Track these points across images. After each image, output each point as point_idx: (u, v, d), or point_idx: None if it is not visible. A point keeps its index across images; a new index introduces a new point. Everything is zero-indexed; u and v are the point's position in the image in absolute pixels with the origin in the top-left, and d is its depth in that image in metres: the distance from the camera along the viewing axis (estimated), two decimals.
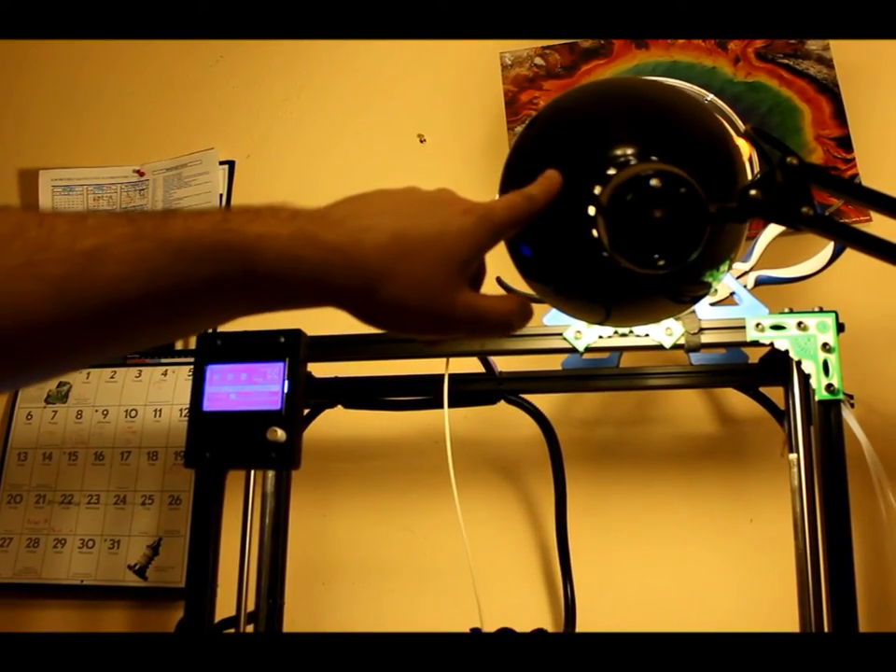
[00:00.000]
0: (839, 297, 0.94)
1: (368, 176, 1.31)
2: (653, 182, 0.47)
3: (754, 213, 0.51)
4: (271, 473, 0.97)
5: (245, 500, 0.92)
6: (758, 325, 0.82)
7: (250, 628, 0.91)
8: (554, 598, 1.11)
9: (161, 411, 1.30)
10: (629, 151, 0.50)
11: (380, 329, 0.46)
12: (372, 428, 1.21)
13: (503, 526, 1.15)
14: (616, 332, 0.85)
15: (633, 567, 1.10)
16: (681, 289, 0.54)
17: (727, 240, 0.53)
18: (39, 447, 1.32)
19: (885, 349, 1.10)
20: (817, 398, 0.79)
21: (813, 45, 1.22)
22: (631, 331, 0.85)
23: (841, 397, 0.78)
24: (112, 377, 1.33)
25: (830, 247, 0.88)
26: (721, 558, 1.08)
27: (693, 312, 0.84)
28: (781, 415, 0.91)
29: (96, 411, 1.32)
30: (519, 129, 0.85)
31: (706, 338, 0.84)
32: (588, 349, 0.86)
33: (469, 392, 0.99)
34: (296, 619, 1.03)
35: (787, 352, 0.81)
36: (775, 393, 0.92)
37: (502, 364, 0.99)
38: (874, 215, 1.09)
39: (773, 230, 0.91)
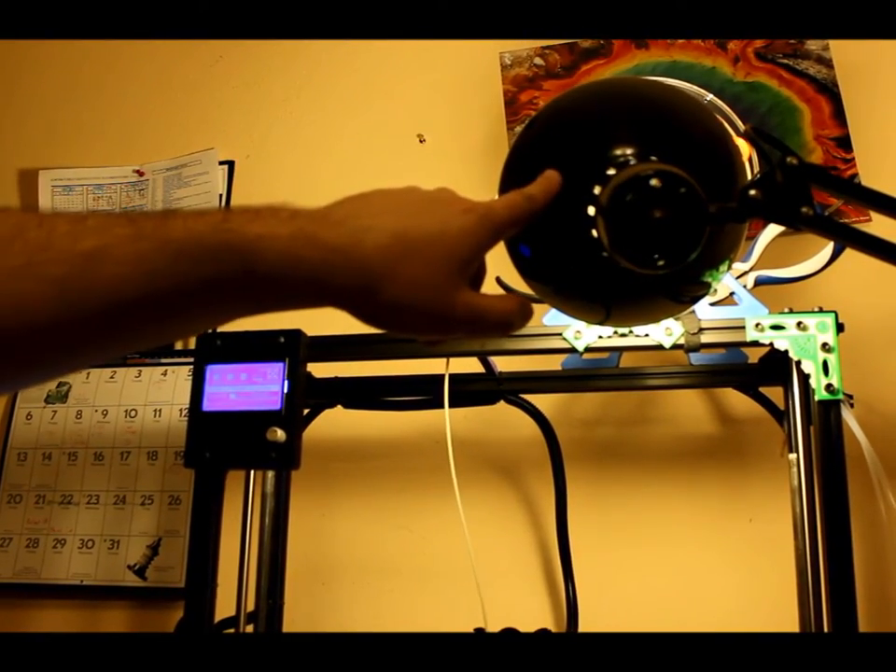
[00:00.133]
0: (839, 297, 0.94)
1: (368, 176, 1.31)
2: (653, 182, 0.47)
3: (754, 213, 0.51)
4: (270, 473, 0.97)
5: (244, 500, 0.92)
6: (758, 325, 0.82)
7: (250, 628, 0.91)
8: (555, 598, 1.11)
9: (160, 411, 1.30)
10: (629, 151, 0.50)
11: (380, 329, 0.46)
12: (372, 428, 1.21)
13: (503, 526, 1.15)
14: (616, 332, 0.85)
15: (633, 566, 1.10)
16: (681, 289, 0.54)
17: (727, 240, 0.53)
18: (39, 447, 1.32)
19: (885, 349, 1.10)
20: (816, 398, 0.79)
21: (813, 45, 1.22)
22: (631, 331, 0.85)
23: (841, 397, 0.78)
24: (112, 377, 1.33)
25: (829, 247, 0.88)
26: (721, 558, 1.08)
27: (693, 312, 0.84)
28: (781, 415, 0.91)
29: (96, 411, 1.32)
30: (519, 129, 0.85)
31: (705, 338, 0.84)
32: (588, 349, 0.86)
33: (468, 392, 0.99)
34: (296, 619, 1.03)
35: (786, 352, 0.81)
36: (774, 393, 0.92)
37: (502, 364, 0.99)
38: (873, 215, 1.09)
39: (772, 230, 0.91)
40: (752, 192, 0.50)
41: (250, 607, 0.91)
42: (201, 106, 1.48)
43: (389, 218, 0.44)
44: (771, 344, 0.82)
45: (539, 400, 1.01)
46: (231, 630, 0.90)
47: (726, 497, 1.10)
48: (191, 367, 0.97)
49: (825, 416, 0.78)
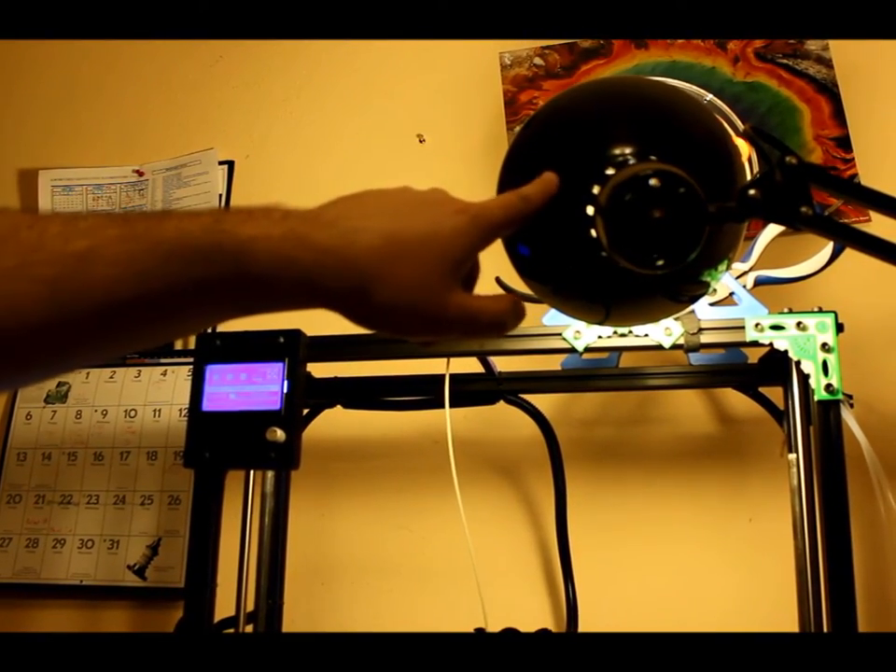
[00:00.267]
0: (838, 297, 0.94)
1: (367, 176, 1.31)
2: (652, 182, 0.47)
3: (753, 212, 0.51)
4: (270, 473, 0.97)
5: (244, 500, 0.92)
6: (757, 325, 0.82)
7: (249, 628, 0.91)
8: (555, 598, 1.11)
9: (160, 411, 1.30)
10: (628, 151, 0.50)
11: (372, 330, 0.46)
12: (372, 428, 1.21)
13: (503, 526, 1.15)
14: (615, 332, 0.85)
15: (632, 566, 1.10)
16: (680, 289, 0.54)
17: (726, 240, 0.53)
18: (39, 447, 1.32)
19: (885, 349, 1.10)
20: (816, 398, 0.79)
21: (812, 45, 1.22)
22: (630, 331, 0.85)
23: (840, 397, 0.78)
24: (111, 377, 1.33)
25: (829, 247, 0.88)
26: (721, 558, 1.08)
27: (693, 312, 0.84)
28: (781, 415, 0.91)
29: (95, 411, 1.32)
30: (518, 129, 0.85)
31: (705, 338, 0.84)
32: (587, 349, 0.86)
33: (468, 392, 0.99)
34: (295, 619, 1.03)
35: (786, 352, 0.81)
36: (774, 393, 0.92)
37: (501, 364, 0.99)
38: (873, 215, 1.09)
39: (772, 229, 0.91)
40: (752, 192, 0.50)
41: (250, 607, 0.92)
42: (201, 106, 1.48)
43: (381, 219, 0.44)
44: (771, 344, 0.82)
45: (539, 400, 1.01)
46: (231, 630, 0.90)
47: (726, 497, 1.10)
48: (191, 367, 0.97)
49: (825, 416, 0.78)
